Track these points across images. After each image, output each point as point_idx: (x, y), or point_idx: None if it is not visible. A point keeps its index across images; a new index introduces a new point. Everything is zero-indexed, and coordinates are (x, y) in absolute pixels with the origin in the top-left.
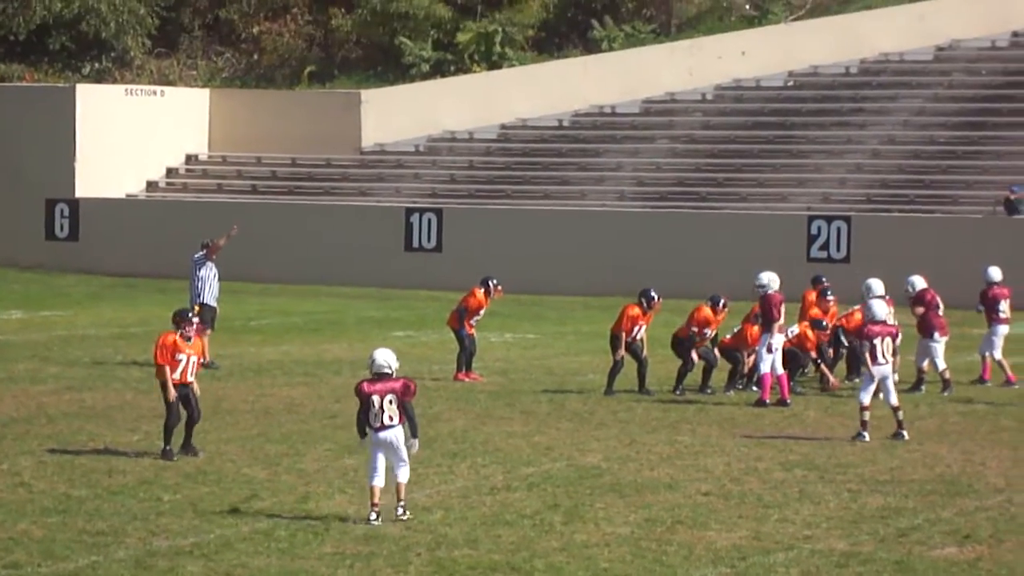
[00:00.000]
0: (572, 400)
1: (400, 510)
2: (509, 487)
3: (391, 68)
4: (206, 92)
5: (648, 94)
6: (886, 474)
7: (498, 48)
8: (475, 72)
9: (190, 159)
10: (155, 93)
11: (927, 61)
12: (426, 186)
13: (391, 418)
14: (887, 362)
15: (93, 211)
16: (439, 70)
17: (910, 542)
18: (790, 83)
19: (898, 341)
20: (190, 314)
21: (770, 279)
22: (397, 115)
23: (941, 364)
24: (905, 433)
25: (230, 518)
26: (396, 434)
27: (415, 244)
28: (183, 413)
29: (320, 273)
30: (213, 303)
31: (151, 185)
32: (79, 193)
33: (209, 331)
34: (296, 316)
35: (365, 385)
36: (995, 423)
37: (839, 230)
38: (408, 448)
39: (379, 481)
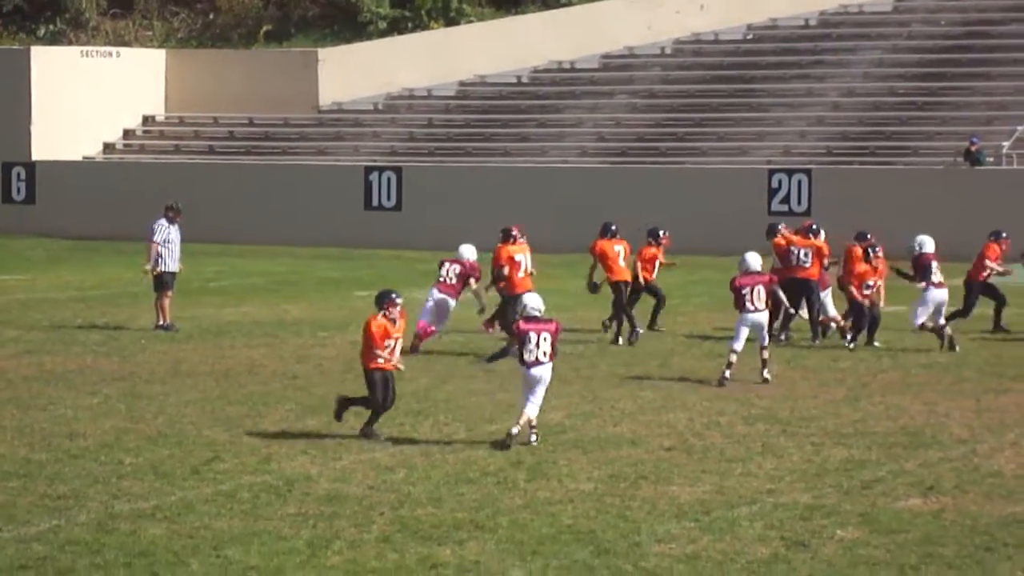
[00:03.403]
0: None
1: (515, 429)
2: (472, 445)
3: (348, 26)
4: (162, 53)
5: (607, 49)
6: (849, 427)
7: (456, 4)
8: (433, 29)
9: (147, 120)
10: (111, 54)
11: (886, 12)
12: (385, 144)
13: (545, 354)
14: (759, 310)
15: (50, 174)
16: (396, 28)
17: (874, 494)
18: (749, 36)
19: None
20: (393, 295)
21: (924, 241)
22: (355, 73)
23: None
24: (768, 375)
25: (192, 480)
26: (546, 371)
27: (375, 203)
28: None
29: (279, 233)
30: (176, 267)
31: (108, 147)
32: (35, 156)
33: (170, 294)
34: (256, 277)
35: (521, 324)
36: (958, 375)
37: (800, 183)
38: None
39: (533, 410)
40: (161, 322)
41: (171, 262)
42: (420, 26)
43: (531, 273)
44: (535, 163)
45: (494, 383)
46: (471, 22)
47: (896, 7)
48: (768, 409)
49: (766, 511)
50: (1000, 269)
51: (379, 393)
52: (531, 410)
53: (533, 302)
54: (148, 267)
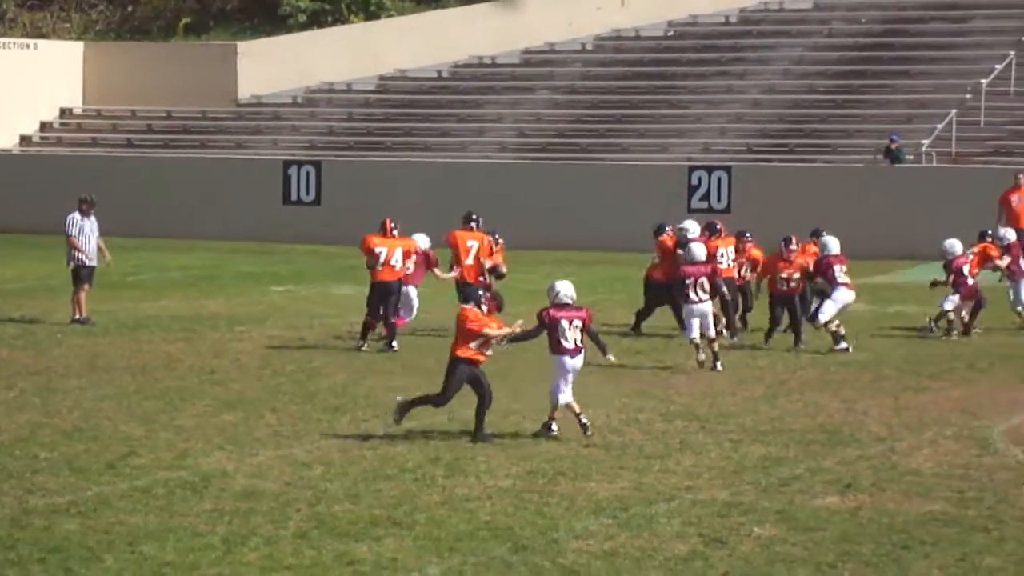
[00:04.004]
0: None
1: (584, 418)
2: (391, 441)
3: (268, 20)
4: (80, 45)
5: (528, 45)
6: (767, 424)
7: None
8: (353, 23)
9: (64, 113)
10: (28, 46)
11: (807, 10)
12: (304, 138)
13: (577, 343)
14: (702, 300)
15: None
16: (316, 21)
17: (792, 491)
18: (670, 33)
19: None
20: (481, 292)
21: (954, 244)
22: (274, 67)
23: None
24: (719, 365)
25: (107, 475)
26: (580, 361)
27: (293, 197)
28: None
29: (197, 227)
30: (94, 262)
31: (24, 139)
32: None
33: (87, 288)
34: (173, 271)
35: (552, 311)
36: (877, 373)
37: (720, 180)
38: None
39: (565, 399)
40: (77, 316)
41: (86, 256)
42: (340, 20)
43: (482, 263)
44: (455, 158)
45: (414, 379)
46: (391, 16)
47: (817, 5)
48: (687, 406)
49: (684, 508)
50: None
51: (454, 388)
52: (565, 398)
53: (565, 289)
54: (75, 262)
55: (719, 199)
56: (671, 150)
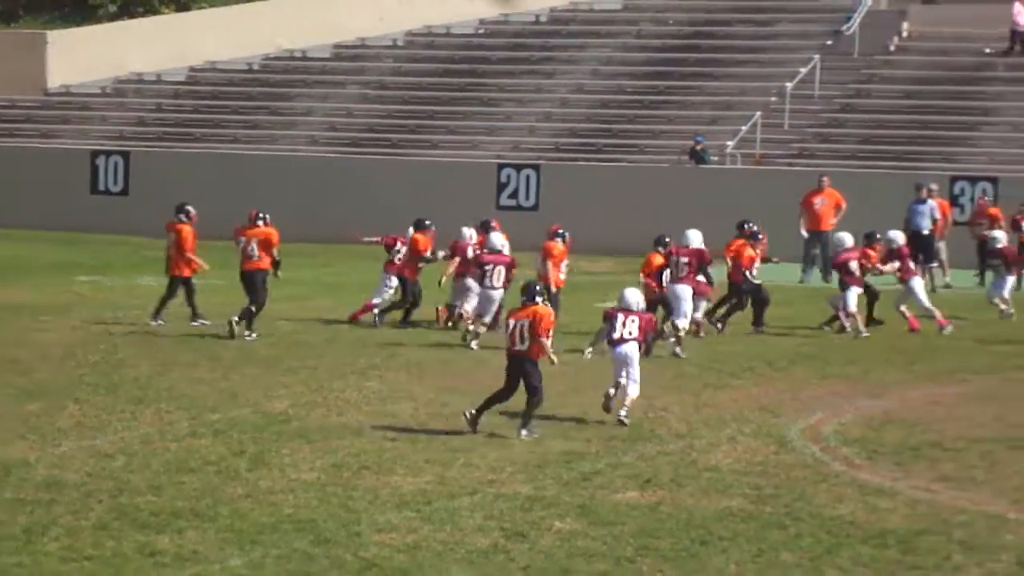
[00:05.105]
0: (260, 346)
1: (623, 412)
2: (194, 433)
3: (78, 9)
4: None
5: (339, 39)
6: (570, 419)
7: None
8: (164, 14)
9: None
10: None
11: (616, 11)
12: (113, 128)
13: (630, 332)
14: (495, 287)
15: None
16: (127, 11)
17: (593, 486)
18: (480, 30)
19: (514, 271)
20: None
21: (843, 239)
22: (84, 56)
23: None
24: (474, 345)
25: None
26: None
27: (101, 187)
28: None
29: (3, 216)
30: None
31: None
32: None
33: None
34: None
35: (609, 309)
36: (679, 370)
37: (528, 178)
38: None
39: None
40: None
41: None
42: (151, 10)
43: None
44: (265, 151)
45: (217, 371)
46: (202, 7)
47: (626, 5)
48: None
49: (487, 502)
50: (884, 269)
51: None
52: (633, 390)
53: (632, 297)
54: None
55: (527, 197)
56: (481, 147)
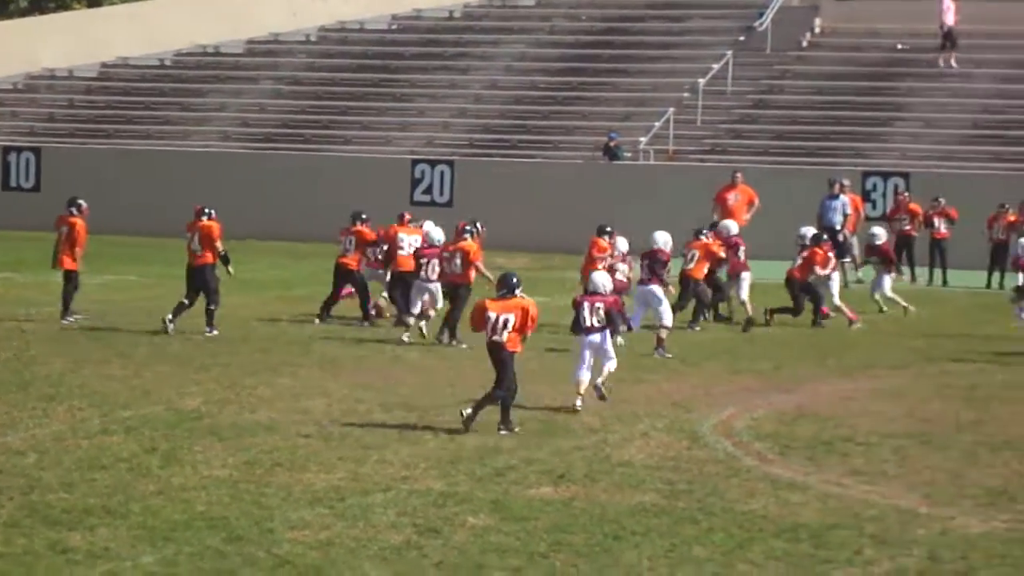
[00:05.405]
0: (172, 343)
1: (600, 381)
2: (106, 431)
3: None
4: None
5: (252, 34)
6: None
7: None
8: (75, 9)
9: None
10: None
11: (529, 7)
12: (24, 124)
13: (598, 320)
14: (429, 280)
15: None
16: (39, 6)
17: (506, 481)
18: (394, 26)
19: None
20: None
21: (729, 226)
22: None
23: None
24: (406, 337)
25: None
26: (597, 338)
27: (13, 184)
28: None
29: None
30: None
31: None
32: None
33: None
34: None
35: (577, 297)
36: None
37: (442, 174)
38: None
39: (585, 375)
40: None
41: None
42: (63, 6)
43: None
44: (177, 147)
45: (130, 368)
46: (114, 3)
47: (539, 2)
48: (406, 397)
49: (400, 498)
50: (823, 273)
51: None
52: (610, 366)
53: (600, 279)
54: None
55: (442, 193)
56: (395, 143)
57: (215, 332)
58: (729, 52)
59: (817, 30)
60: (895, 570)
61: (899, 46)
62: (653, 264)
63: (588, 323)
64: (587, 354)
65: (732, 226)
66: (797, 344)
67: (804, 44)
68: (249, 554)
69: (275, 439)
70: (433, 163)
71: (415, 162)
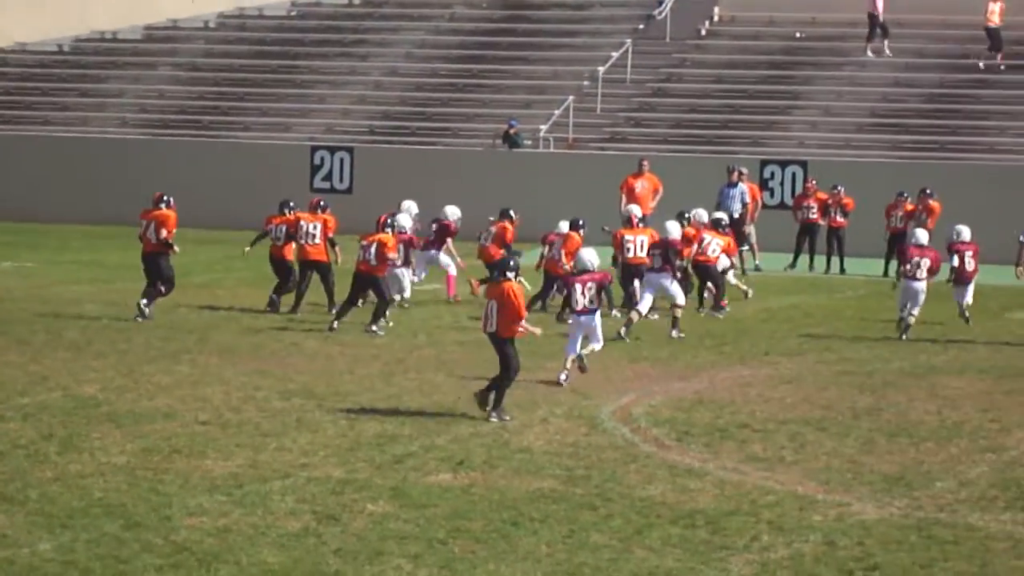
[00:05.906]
0: (70, 330)
1: (584, 352)
2: (3, 417)
3: None
4: None
5: (150, 20)
6: (383, 401)
7: None
8: None
9: None
10: None
11: None
12: None
13: (591, 301)
14: (398, 266)
15: None
16: None
17: (406, 468)
18: (293, 13)
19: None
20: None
21: (701, 213)
22: None
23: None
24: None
25: None
26: (591, 319)
27: None
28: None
29: None
30: None
31: None
32: None
33: None
34: None
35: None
36: (492, 355)
37: (342, 161)
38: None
39: (573, 351)
40: None
41: None
42: None
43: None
44: (76, 133)
45: (26, 355)
46: None
47: None
48: (305, 384)
49: (299, 485)
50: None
51: (517, 362)
52: (597, 346)
53: (587, 255)
54: None
55: (342, 180)
56: (294, 130)
57: (150, 315)
58: (629, 40)
59: (716, 18)
60: (792, 556)
61: (797, 35)
62: (667, 252)
63: (580, 305)
64: (579, 333)
65: (636, 210)
66: (695, 332)
67: (703, 33)
68: (147, 541)
69: (173, 426)
70: (333, 150)
71: (314, 149)
